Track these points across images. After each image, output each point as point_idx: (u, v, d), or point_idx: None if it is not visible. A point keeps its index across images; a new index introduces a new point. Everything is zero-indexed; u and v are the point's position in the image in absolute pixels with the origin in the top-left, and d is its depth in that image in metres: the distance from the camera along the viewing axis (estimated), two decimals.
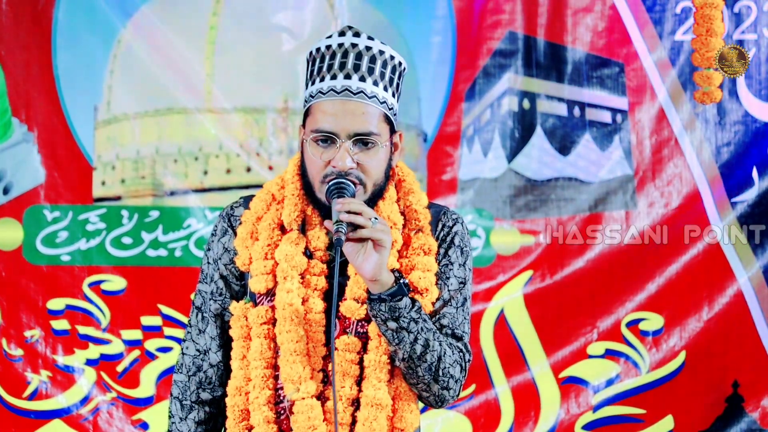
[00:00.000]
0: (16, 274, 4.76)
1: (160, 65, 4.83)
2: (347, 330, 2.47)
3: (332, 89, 2.46)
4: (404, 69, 2.56)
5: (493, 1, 4.91)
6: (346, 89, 2.46)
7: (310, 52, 2.53)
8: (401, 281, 2.40)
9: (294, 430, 2.41)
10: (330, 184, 2.42)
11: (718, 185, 4.91)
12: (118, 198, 4.83)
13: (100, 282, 4.79)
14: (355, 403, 2.44)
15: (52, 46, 4.79)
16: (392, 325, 2.39)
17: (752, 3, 4.90)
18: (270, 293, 2.49)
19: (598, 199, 4.94)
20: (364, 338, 2.47)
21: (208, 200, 4.82)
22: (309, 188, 2.51)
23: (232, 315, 2.52)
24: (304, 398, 2.40)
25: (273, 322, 2.48)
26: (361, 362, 2.46)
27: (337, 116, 2.44)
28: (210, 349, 2.56)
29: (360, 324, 2.47)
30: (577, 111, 4.95)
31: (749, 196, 4.91)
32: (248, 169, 4.84)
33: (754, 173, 4.92)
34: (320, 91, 2.47)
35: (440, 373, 2.45)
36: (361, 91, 2.46)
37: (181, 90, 4.84)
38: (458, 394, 2.51)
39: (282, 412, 2.45)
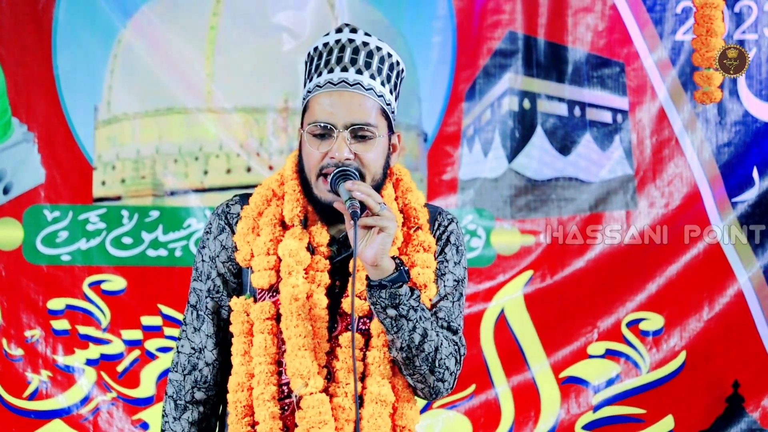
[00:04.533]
0: (16, 274, 4.75)
1: (160, 65, 4.82)
2: (348, 327, 2.47)
3: (329, 82, 2.47)
4: (402, 69, 2.57)
5: (493, 1, 4.91)
6: (343, 81, 2.47)
7: (308, 53, 2.55)
8: (402, 268, 2.40)
9: (302, 425, 2.41)
10: (334, 172, 2.42)
11: (718, 185, 4.91)
12: (119, 198, 4.82)
13: (100, 282, 4.78)
14: (359, 400, 2.44)
15: (53, 45, 4.79)
16: (392, 312, 2.39)
17: (753, 3, 4.90)
18: (272, 289, 2.49)
19: (598, 199, 4.94)
20: (366, 335, 2.47)
21: (209, 200, 4.82)
22: (307, 186, 2.51)
23: (232, 311, 2.51)
24: (312, 393, 2.40)
25: (276, 317, 2.48)
26: (363, 359, 2.46)
27: (334, 107, 2.46)
28: (206, 347, 2.55)
29: (362, 321, 2.47)
30: (577, 111, 4.95)
31: (750, 196, 4.91)
32: (248, 169, 4.84)
33: (755, 173, 4.92)
34: (317, 85, 2.48)
35: (437, 364, 2.45)
36: (358, 83, 2.48)
37: (182, 90, 4.84)
38: (452, 386, 2.52)
39: (286, 407, 2.45)
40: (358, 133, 2.46)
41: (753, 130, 4.92)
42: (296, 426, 2.42)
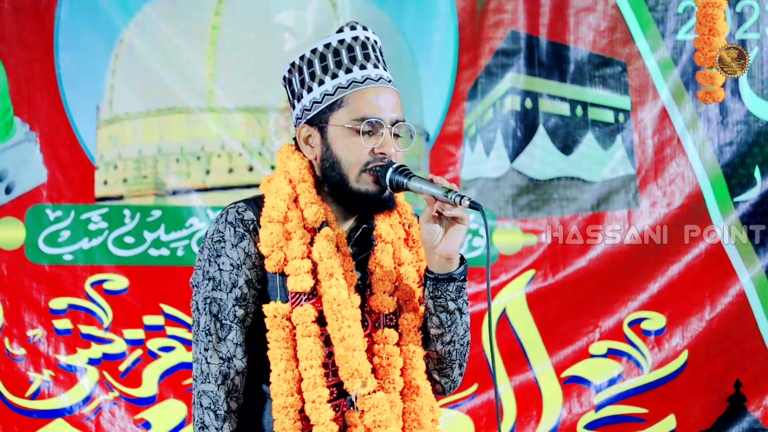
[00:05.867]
0: (18, 274, 4.75)
1: (162, 65, 4.82)
2: (376, 324, 2.48)
3: (368, 78, 2.47)
4: None
5: (495, 1, 4.91)
6: (381, 78, 2.49)
7: (314, 49, 2.51)
8: (465, 262, 2.45)
9: (363, 425, 2.41)
10: (395, 166, 2.44)
11: (720, 185, 4.91)
12: (120, 197, 4.82)
13: (102, 281, 4.78)
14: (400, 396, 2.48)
15: (54, 45, 4.79)
16: (452, 306, 2.45)
17: (755, 2, 4.90)
18: (307, 292, 2.46)
19: (600, 199, 4.94)
20: (396, 330, 2.50)
21: (211, 200, 4.82)
22: (337, 183, 2.49)
23: (265, 317, 2.47)
24: (369, 393, 2.41)
25: (318, 320, 2.46)
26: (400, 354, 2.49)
27: (381, 103, 2.47)
28: (235, 356, 2.48)
29: (388, 318, 2.49)
30: (579, 110, 4.95)
31: (751, 195, 4.91)
32: (250, 169, 4.84)
33: (757, 173, 4.92)
34: (354, 81, 2.47)
35: (465, 358, 2.52)
36: (391, 80, 2.51)
37: (183, 89, 4.84)
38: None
39: (336, 409, 2.45)
40: (396, 130, 2.48)
41: (755, 129, 4.93)
42: (347, 426, 2.43)
